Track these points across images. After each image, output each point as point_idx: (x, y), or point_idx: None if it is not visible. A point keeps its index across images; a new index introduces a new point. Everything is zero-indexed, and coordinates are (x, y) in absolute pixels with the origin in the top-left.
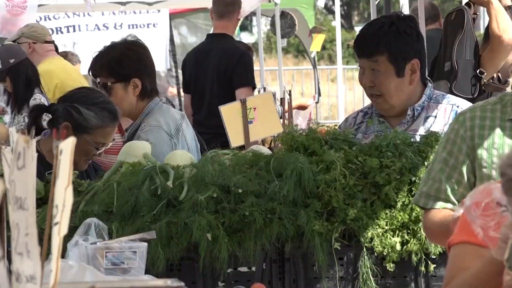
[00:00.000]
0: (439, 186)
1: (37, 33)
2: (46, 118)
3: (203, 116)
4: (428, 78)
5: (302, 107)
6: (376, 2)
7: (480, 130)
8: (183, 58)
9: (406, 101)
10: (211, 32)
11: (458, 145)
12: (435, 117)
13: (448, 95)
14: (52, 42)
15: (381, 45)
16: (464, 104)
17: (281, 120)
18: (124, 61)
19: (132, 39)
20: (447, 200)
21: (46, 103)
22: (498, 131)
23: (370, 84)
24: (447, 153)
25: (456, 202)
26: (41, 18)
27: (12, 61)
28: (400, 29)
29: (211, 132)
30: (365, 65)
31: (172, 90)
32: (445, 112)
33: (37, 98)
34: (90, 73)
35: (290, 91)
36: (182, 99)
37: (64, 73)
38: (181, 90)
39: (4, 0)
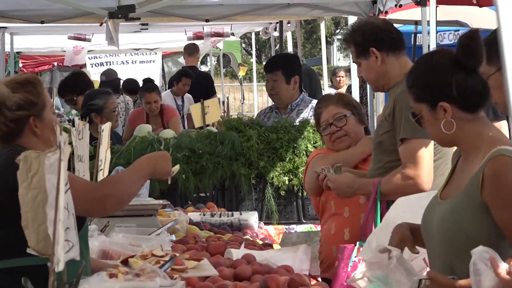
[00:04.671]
0: None
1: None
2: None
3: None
4: (303, 89)
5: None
6: (275, 49)
7: None
8: (169, 80)
9: (290, 100)
10: (184, 65)
11: None
12: (303, 110)
13: (313, 99)
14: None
15: (278, 65)
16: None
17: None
18: (78, 82)
19: (79, 70)
20: None
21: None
22: None
23: (271, 88)
24: None
25: None
26: (92, 57)
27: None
28: (290, 58)
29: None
30: (269, 77)
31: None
32: (308, 108)
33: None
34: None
35: (228, 97)
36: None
37: None
38: None
39: (72, 45)
